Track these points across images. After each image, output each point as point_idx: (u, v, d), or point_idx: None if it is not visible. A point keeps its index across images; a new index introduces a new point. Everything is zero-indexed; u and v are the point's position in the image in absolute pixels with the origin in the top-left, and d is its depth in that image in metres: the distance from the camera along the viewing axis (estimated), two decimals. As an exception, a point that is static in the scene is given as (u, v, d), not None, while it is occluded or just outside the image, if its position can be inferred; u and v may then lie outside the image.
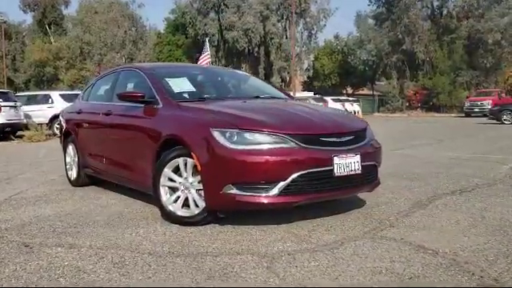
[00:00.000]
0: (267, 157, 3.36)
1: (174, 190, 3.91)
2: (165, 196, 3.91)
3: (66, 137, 6.08)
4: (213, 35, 43.71)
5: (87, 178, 5.79)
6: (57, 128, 16.15)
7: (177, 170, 3.86)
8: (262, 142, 3.41)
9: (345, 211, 4.15)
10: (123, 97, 4.38)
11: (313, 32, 46.52)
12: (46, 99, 16.66)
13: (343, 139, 3.68)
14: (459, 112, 35.34)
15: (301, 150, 3.43)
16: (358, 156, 3.65)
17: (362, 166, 3.67)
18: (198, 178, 3.70)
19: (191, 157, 3.68)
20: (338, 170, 3.52)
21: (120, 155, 4.72)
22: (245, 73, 6.18)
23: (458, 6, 40.59)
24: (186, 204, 3.83)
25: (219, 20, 43.76)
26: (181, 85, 4.48)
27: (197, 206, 3.73)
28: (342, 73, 49.88)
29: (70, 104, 15.11)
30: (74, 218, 4.20)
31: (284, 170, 3.37)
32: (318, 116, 3.95)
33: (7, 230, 3.87)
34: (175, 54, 49.13)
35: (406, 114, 39.94)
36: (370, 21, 45.52)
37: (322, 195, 3.59)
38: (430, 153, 9.16)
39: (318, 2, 45.66)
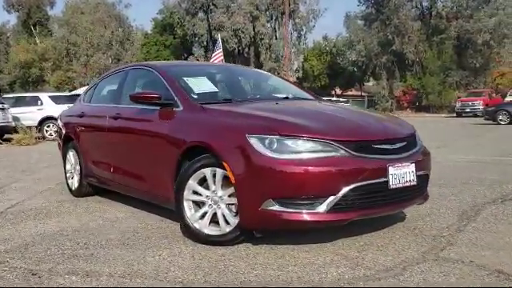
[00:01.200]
0: (315, 167, 2.91)
1: (199, 204, 3.45)
2: (189, 211, 3.44)
3: (66, 142, 5.57)
4: (202, 35, 43.24)
5: (90, 188, 5.29)
6: (49, 132, 15.59)
7: (202, 182, 3.40)
8: (309, 150, 2.96)
9: (387, 226, 3.72)
10: (136, 98, 3.89)
11: (302, 33, 46.20)
12: (34, 101, 16.00)
13: (396, 146, 3.25)
14: (449, 112, 35.31)
15: (352, 159, 2.99)
16: (413, 165, 3.23)
17: (417, 176, 3.24)
18: (229, 190, 3.25)
19: (221, 167, 3.22)
20: (393, 182, 3.08)
21: (131, 164, 4.24)
22: (264, 71, 5.70)
23: (447, 7, 40.60)
24: (213, 221, 3.37)
25: (208, 20, 43.23)
26: (201, 85, 4.02)
27: (227, 223, 3.28)
28: (331, 74, 49.69)
29: (69, 106, 14.66)
30: (84, 236, 3.71)
31: (334, 183, 2.93)
32: (365, 120, 3.52)
33: (8, 252, 3.37)
34: (163, 54, 48.46)
35: (396, 114, 39.76)
36: (360, 21, 45.32)
37: (375, 211, 3.15)
38: (441, 156, 8.80)
39: (307, 3, 45.34)
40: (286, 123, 3.14)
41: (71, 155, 5.47)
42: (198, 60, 43.53)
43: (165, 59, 48.16)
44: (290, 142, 2.98)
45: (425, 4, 42.19)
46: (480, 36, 37.62)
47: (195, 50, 44.25)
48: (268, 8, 43.86)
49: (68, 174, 5.59)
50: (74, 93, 19.20)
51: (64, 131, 5.60)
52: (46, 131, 15.76)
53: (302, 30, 46.22)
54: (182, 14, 43.68)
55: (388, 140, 3.21)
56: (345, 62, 47.73)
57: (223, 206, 3.30)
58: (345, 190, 2.92)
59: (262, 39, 42.70)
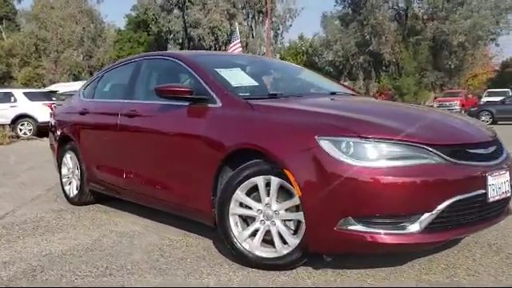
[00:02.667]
0: (406, 178, 2.38)
1: (248, 220, 2.88)
2: (236, 229, 2.87)
3: (63, 143, 4.88)
4: (177, 32, 42.33)
5: (92, 196, 4.63)
6: (23, 131, 14.65)
7: (251, 193, 2.84)
8: (397, 156, 2.42)
9: (457, 241, 3.22)
10: (163, 92, 3.27)
11: (279, 32, 45.84)
12: (7, 98, 14.94)
13: (489, 151, 2.74)
14: (426, 113, 35.49)
15: (450, 167, 2.47)
16: (508, 173, 2.73)
17: (511, 186, 2.75)
18: (286, 203, 2.69)
19: (277, 175, 2.67)
20: (492, 194, 2.58)
21: (152, 170, 3.61)
22: (293, 64, 5.11)
23: (423, 8, 40.89)
24: (265, 240, 2.81)
25: (184, 17, 42.33)
26: (237, 78, 3.43)
27: (284, 242, 2.72)
28: (308, 73, 49.46)
29: (44, 103, 13.76)
30: (101, 258, 3.08)
31: (430, 197, 2.40)
32: (449, 119, 3.00)
33: (12, 281, 2.73)
34: (137, 51, 47.12)
35: (373, 114, 39.83)
36: (337, 22, 45.24)
37: (471, 229, 2.63)
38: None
39: (284, 2, 44.98)
40: (365, 123, 2.59)
41: (69, 158, 4.79)
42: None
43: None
44: (372, 146, 2.43)
45: (401, 5, 42.35)
46: (455, 37, 37.98)
47: (170, 47, 43.19)
48: (244, 6, 43.28)
49: (64, 180, 4.90)
50: (49, 89, 18.18)
51: (60, 131, 4.91)
52: (20, 130, 14.77)
53: (279, 29, 45.90)
54: (157, 10, 42.61)
55: (481, 144, 2.71)
56: (322, 61, 47.57)
57: (279, 222, 2.73)
58: (442, 204, 2.40)
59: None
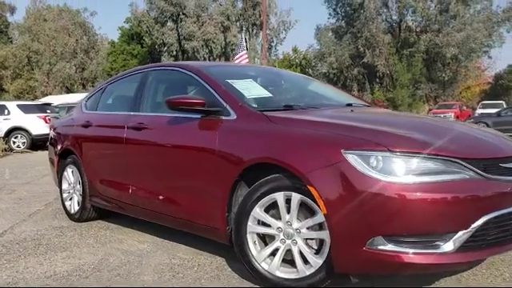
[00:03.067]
0: (439, 194, 2.24)
1: (266, 238, 2.73)
2: (254, 248, 2.72)
3: (63, 157, 4.71)
4: (171, 45, 42.21)
5: (95, 212, 4.45)
6: (17, 144, 14.41)
7: (270, 210, 2.69)
8: (429, 171, 2.28)
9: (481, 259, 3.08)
10: (175, 104, 3.12)
11: (273, 44, 45.93)
12: (1, 110, 14.69)
13: None
14: (421, 125, 35.56)
15: (484, 182, 2.34)
16: (539, 188, 2.60)
17: None
18: (308, 221, 2.55)
19: (299, 191, 2.53)
20: (526, 210, 2.45)
21: (161, 185, 3.44)
22: (303, 75, 4.97)
23: (417, 21, 41.21)
24: (286, 259, 2.66)
25: (178, 29, 42.30)
26: (251, 89, 3.29)
27: (306, 262, 2.56)
28: (302, 85, 49.52)
29: (39, 116, 13.53)
30: (110, 279, 2.92)
31: (465, 214, 2.27)
32: (477, 132, 2.87)
33: (17, 305, 2.55)
34: (130, 63, 47.10)
35: (368, 126, 39.86)
36: (331, 34, 45.46)
37: (507, 247, 2.49)
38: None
39: (278, 15, 45.16)
40: (394, 136, 2.45)
41: (70, 172, 4.62)
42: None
43: (132, 69, 46.90)
44: (403, 161, 2.29)
45: (394, 17, 42.67)
46: (448, 50, 38.24)
47: (164, 59, 43.02)
48: (239, 19, 43.39)
49: (65, 195, 4.72)
50: (43, 101, 17.97)
51: (61, 144, 4.73)
52: (14, 143, 14.53)
53: (273, 41, 46.01)
54: (151, 22, 42.52)
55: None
56: (316, 74, 47.69)
57: (300, 241, 2.58)
58: (478, 222, 2.26)
59: (233, 50, 42.02)
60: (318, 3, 74.75)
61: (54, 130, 5.03)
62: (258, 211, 2.68)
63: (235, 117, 2.98)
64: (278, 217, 2.65)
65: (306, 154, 2.49)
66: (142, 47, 47.22)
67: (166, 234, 3.88)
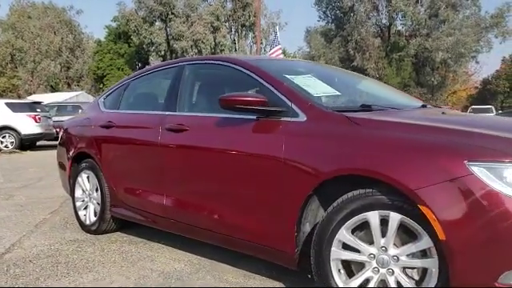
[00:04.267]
0: None
1: (353, 266, 2.28)
2: (338, 277, 2.26)
3: (77, 161, 4.20)
4: (159, 44, 41.57)
5: (114, 223, 3.96)
6: (5, 143, 13.73)
7: (357, 231, 2.25)
8: None
9: None
10: (230, 103, 2.65)
11: (262, 46, 45.53)
12: (-12, 108, 14.03)
13: None
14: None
15: None
16: None
17: None
18: (409, 247, 2.10)
19: (399, 210, 2.08)
20: None
21: (209, 197, 2.95)
22: (350, 71, 4.50)
23: (406, 25, 41.23)
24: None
25: (166, 29, 41.69)
26: (314, 86, 2.84)
27: (406, 296, 2.12)
28: (290, 88, 49.21)
29: (29, 114, 12.88)
30: (156, 311, 2.43)
31: None
32: None
33: None
34: (117, 63, 46.37)
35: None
36: (320, 37, 45.28)
37: None
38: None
39: (268, 16, 44.91)
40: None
41: (85, 178, 4.11)
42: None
43: (119, 68, 46.13)
44: (544, 175, 1.87)
45: (384, 21, 42.65)
46: (438, 54, 38.32)
47: (152, 59, 42.36)
48: (228, 19, 42.98)
49: (78, 204, 4.21)
50: (33, 100, 17.23)
51: (74, 147, 4.22)
52: (1, 142, 13.83)
53: (262, 43, 45.65)
54: (139, 22, 41.84)
55: None
56: (304, 76, 47.42)
57: (398, 270, 2.14)
58: None
59: (222, 50, 41.57)
60: (307, 6, 74.62)
61: (66, 130, 4.50)
62: (344, 234, 2.23)
63: (305, 118, 2.52)
64: (369, 240, 2.20)
65: (414, 166, 2.04)
66: (130, 46, 46.47)
67: (198, 249, 3.41)
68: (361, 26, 40.71)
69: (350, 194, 2.23)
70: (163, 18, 41.61)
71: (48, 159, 11.43)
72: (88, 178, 4.10)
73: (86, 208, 4.15)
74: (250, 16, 42.85)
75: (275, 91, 2.71)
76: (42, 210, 5.11)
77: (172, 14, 41.08)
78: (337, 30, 42.38)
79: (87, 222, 4.08)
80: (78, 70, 46.72)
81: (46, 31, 44.57)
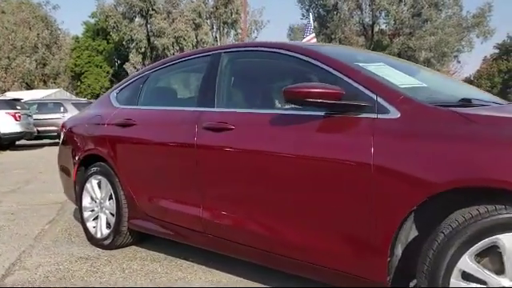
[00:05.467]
0: None
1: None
2: (460, 316, 1.79)
3: (86, 165, 3.64)
4: (140, 41, 40.65)
5: (131, 236, 3.42)
6: None
7: (480, 258, 1.78)
8: None
9: None
10: (298, 96, 2.15)
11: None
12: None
13: None
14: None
15: None
16: None
17: None
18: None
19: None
20: None
21: (268, 210, 2.41)
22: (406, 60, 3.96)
23: (390, 24, 41.27)
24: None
25: (147, 25, 40.78)
26: (393, 76, 2.36)
27: None
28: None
29: (8, 112, 12.08)
30: None
31: None
32: None
33: None
34: (95, 60, 45.26)
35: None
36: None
37: None
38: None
39: (250, 14, 44.34)
40: None
41: (95, 184, 3.56)
42: (135, 67, 41.00)
43: (97, 66, 45.05)
44: None
45: (367, 20, 42.60)
46: (421, 53, 38.44)
47: (132, 56, 41.39)
48: (210, 17, 42.34)
49: (87, 214, 3.65)
50: (10, 97, 16.36)
51: (81, 148, 3.65)
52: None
53: (244, 40, 45.19)
54: (119, 18, 40.85)
55: None
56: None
57: (538, 306, 1.68)
58: None
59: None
60: (291, 4, 74.28)
61: (69, 130, 3.92)
62: (467, 261, 1.75)
63: (398, 115, 2.03)
64: (498, 270, 1.73)
65: None
66: (108, 43, 45.40)
67: (237, 269, 2.90)
68: (344, 25, 40.60)
69: (472, 212, 1.75)
70: (143, 14, 40.70)
71: (31, 160, 10.74)
72: (99, 184, 3.54)
73: (95, 219, 3.60)
74: (232, 13, 42.30)
75: (352, 82, 2.22)
76: (38, 220, 4.52)
77: (153, 10, 40.20)
78: (320, 28, 42.11)
79: (98, 235, 3.52)
80: (55, 67, 45.37)
81: (20, 27, 43.16)
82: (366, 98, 2.15)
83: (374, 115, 2.09)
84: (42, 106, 16.04)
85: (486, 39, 39.16)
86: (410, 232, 2.03)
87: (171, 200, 2.94)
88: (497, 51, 48.03)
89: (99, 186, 3.55)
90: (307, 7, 43.25)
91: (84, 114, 4.03)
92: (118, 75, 46.59)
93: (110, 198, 3.44)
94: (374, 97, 2.13)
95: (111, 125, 3.40)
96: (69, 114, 15.34)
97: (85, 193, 3.66)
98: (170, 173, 2.94)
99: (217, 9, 41.65)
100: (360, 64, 2.40)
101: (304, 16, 43.64)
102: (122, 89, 3.66)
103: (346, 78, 2.25)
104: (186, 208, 2.83)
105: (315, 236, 2.21)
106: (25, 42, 42.77)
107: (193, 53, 3.27)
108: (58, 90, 32.20)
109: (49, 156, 11.72)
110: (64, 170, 4.00)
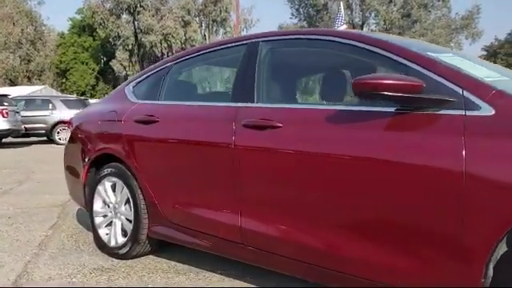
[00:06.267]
0: None
1: None
2: None
3: (98, 165, 3.30)
4: (127, 38, 40.04)
5: (150, 245, 3.09)
6: None
7: None
8: None
9: None
10: (375, 88, 1.84)
11: (234, 42, 44.72)
12: None
13: None
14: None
15: None
16: None
17: None
18: None
19: None
20: None
21: (321, 221, 2.10)
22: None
23: (379, 25, 41.29)
24: None
25: (134, 22, 40.17)
26: (471, 68, 2.07)
27: None
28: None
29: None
30: None
31: None
32: None
33: None
34: (81, 56, 44.50)
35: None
36: (292, 34, 44.78)
37: None
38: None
39: (239, 12, 43.98)
40: None
41: (108, 187, 3.21)
42: (122, 65, 40.41)
43: (83, 62, 44.31)
44: None
45: (357, 20, 42.56)
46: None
47: (119, 53, 40.77)
48: (199, 14, 41.90)
49: (99, 220, 3.30)
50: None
51: (94, 147, 3.31)
52: None
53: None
54: (106, 14, 40.16)
55: None
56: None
57: None
58: None
59: (192, 45, 40.44)
60: (280, 3, 73.98)
61: (78, 127, 3.57)
62: None
63: (492, 112, 1.74)
64: None
65: None
66: (95, 40, 44.73)
67: (271, 279, 2.59)
68: (334, 25, 40.44)
69: None
70: (131, 10, 40.08)
71: (20, 159, 10.28)
72: (113, 186, 3.20)
73: (108, 225, 3.26)
74: (221, 11, 41.97)
75: (433, 75, 1.92)
76: (39, 224, 4.16)
77: (141, 6, 39.62)
78: (309, 27, 41.98)
79: (112, 244, 3.18)
80: (40, 64, 44.54)
81: (4, 22, 42.24)
82: (449, 92, 1.85)
83: (461, 112, 1.80)
84: (29, 102, 15.49)
85: (474, 41, 39.40)
86: (500, 249, 1.74)
87: (202, 206, 2.62)
88: (485, 53, 48.31)
89: (113, 189, 3.21)
90: (297, 7, 43.12)
91: (94, 109, 3.67)
92: (104, 72, 45.94)
93: (127, 202, 3.10)
94: (460, 91, 1.83)
95: (129, 121, 3.06)
96: (57, 112, 14.89)
97: (96, 196, 3.31)
98: (201, 175, 2.61)
99: (206, 6, 41.24)
100: (431, 54, 2.10)
101: (293, 15, 43.48)
102: (139, 82, 3.31)
103: (424, 70, 1.95)
104: (220, 215, 2.51)
105: (389, 252, 1.91)
106: (8, 38, 41.92)
107: (222, 42, 2.93)
108: (43, 86, 31.46)
109: (38, 155, 11.29)
110: (71, 170, 3.65)
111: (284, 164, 2.23)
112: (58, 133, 14.84)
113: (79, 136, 3.53)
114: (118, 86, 3.56)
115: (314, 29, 2.53)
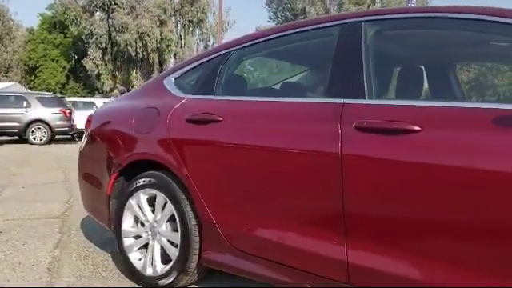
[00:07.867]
0: None
1: None
2: None
3: (128, 175, 2.68)
4: (100, 36, 38.79)
5: (197, 274, 2.49)
6: None
7: None
8: None
9: None
10: None
11: (209, 43, 44.10)
12: None
13: None
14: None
15: None
16: None
17: None
18: None
19: None
20: None
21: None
22: None
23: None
24: None
25: (108, 20, 38.99)
26: None
27: None
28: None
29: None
30: None
31: None
32: None
33: None
34: (51, 53, 42.93)
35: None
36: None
37: None
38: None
39: (216, 13, 43.38)
40: None
41: (144, 201, 2.59)
42: (94, 63, 39.13)
43: (53, 60, 42.77)
44: None
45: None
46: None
47: (92, 51, 39.39)
48: (175, 14, 41.07)
49: (129, 242, 2.67)
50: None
51: (125, 151, 2.67)
52: None
53: (209, 40, 44.32)
54: (78, 11, 38.85)
55: None
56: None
57: None
58: None
59: (168, 45, 39.60)
60: (257, 5, 73.53)
61: (101, 126, 2.92)
62: None
63: None
64: None
65: None
66: (66, 37, 43.20)
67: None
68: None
69: None
70: (105, 8, 38.87)
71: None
72: (150, 201, 2.58)
73: (142, 249, 2.63)
74: (197, 12, 41.30)
75: None
76: (40, 241, 3.49)
77: (115, 4, 38.45)
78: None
79: (148, 272, 2.55)
80: (7, 60, 42.80)
81: (-30, 16, 40.47)
82: None
83: None
84: (1, 99, 14.46)
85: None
86: None
87: (290, 232, 2.02)
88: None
89: (150, 204, 2.59)
90: (274, 10, 42.85)
91: (121, 105, 3.02)
92: (76, 71, 44.41)
93: (169, 220, 2.49)
94: None
95: (177, 121, 2.44)
96: (32, 110, 13.95)
97: (126, 212, 2.67)
98: (288, 192, 2.02)
99: (182, 6, 40.47)
100: None
101: (271, 19, 43.16)
102: (184, 73, 2.69)
103: None
104: (317, 245, 1.93)
105: None
106: (-26, 33, 40.12)
107: (301, 24, 2.34)
108: (12, 83, 30.02)
109: (15, 155, 10.39)
110: (90, 179, 2.99)
111: (423, 182, 1.67)
112: (33, 132, 13.89)
113: (103, 138, 2.88)
114: (151, 79, 2.94)
115: (445, 6, 1.90)
